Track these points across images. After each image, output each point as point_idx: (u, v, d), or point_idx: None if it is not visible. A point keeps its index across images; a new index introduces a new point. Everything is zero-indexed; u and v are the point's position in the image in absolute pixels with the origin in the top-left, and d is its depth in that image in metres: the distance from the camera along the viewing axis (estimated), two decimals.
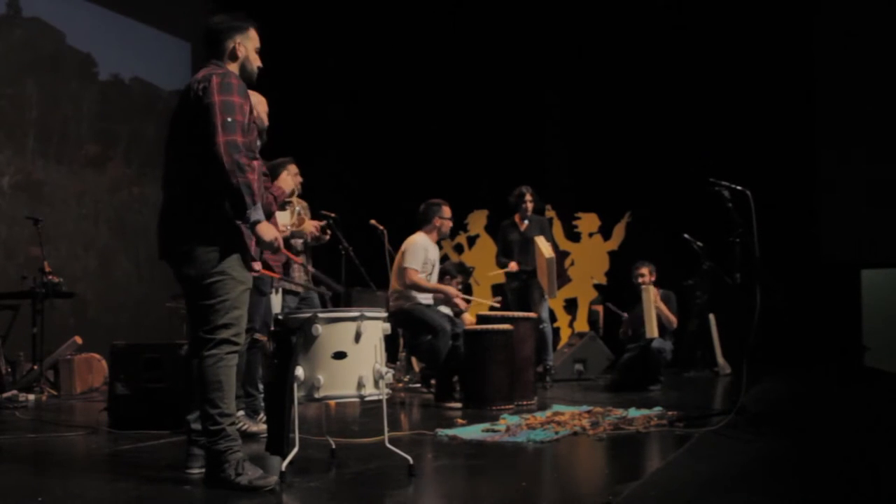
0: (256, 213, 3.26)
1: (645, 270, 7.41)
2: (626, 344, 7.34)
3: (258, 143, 3.80)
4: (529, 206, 7.57)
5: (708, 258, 8.33)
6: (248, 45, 3.47)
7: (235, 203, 3.21)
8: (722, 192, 5.18)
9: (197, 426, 3.34)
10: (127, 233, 9.35)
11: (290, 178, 4.90)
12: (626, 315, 7.49)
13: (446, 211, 6.41)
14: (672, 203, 9.31)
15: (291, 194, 5.03)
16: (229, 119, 3.19)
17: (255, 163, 3.33)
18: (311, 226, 5.36)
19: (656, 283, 7.33)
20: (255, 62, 3.50)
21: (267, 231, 3.32)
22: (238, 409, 4.43)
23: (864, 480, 3.55)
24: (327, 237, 5.50)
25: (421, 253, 6.20)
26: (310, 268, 5.25)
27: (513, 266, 7.40)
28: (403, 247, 6.29)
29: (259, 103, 4.37)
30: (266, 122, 4.45)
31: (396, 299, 6.23)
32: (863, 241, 9.24)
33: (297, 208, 5.34)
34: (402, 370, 7.86)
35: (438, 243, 6.59)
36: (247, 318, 3.40)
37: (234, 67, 3.42)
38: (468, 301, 6.78)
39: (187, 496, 3.09)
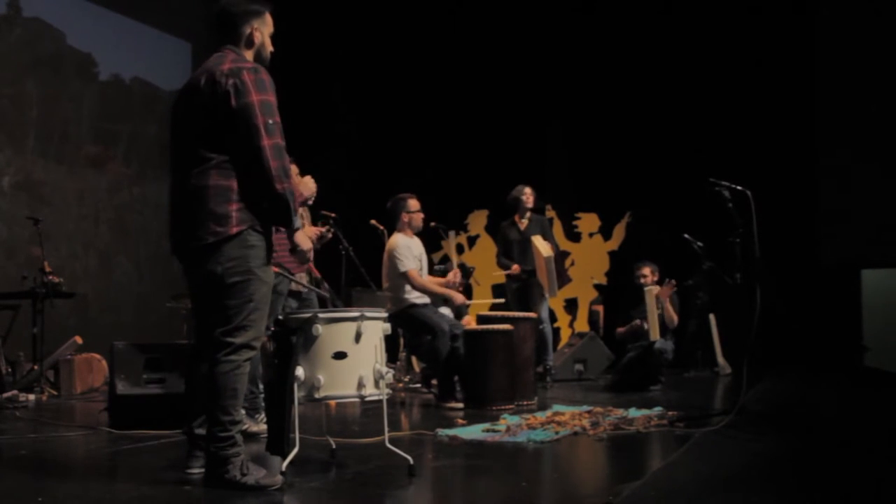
0: (296, 220, 3.22)
1: (647, 271, 7.41)
2: (626, 344, 7.33)
3: None
4: (529, 199, 7.55)
5: (708, 258, 8.32)
6: (264, 30, 3.36)
7: (281, 209, 3.12)
8: (722, 192, 5.17)
9: (200, 431, 3.28)
10: (127, 233, 9.34)
11: (311, 183, 4.88)
12: (638, 321, 7.37)
13: (412, 204, 6.35)
14: (672, 203, 9.30)
15: (309, 199, 5.01)
16: (270, 121, 3.11)
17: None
18: (309, 232, 5.34)
19: (658, 282, 7.32)
20: (269, 48, 3.40)
21: (304, 240, 3.29)
22: None
23: (864, 480, 3.55)
24: (330, 235, 5.49)
25: (407, 252, 6.18)
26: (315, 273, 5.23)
27: (515, 269, 7.40)
28: (388, 252, 6.25)
29: None
30: None
31: (394, 303, 6.22)
32: (863, 241, 9.23)
33: (300, 211, 5.33)
34: (402, 370, 7.86)
35: (438, 242, 6.58)
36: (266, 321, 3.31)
37: (249, 54, 3.32)
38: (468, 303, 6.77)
39: (187, 496, 3.09)
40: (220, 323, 3.15)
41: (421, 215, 6.37)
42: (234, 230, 3.12)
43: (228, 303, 3.14)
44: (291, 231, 3.23)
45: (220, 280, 3.13)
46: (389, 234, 7.18)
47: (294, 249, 3.28)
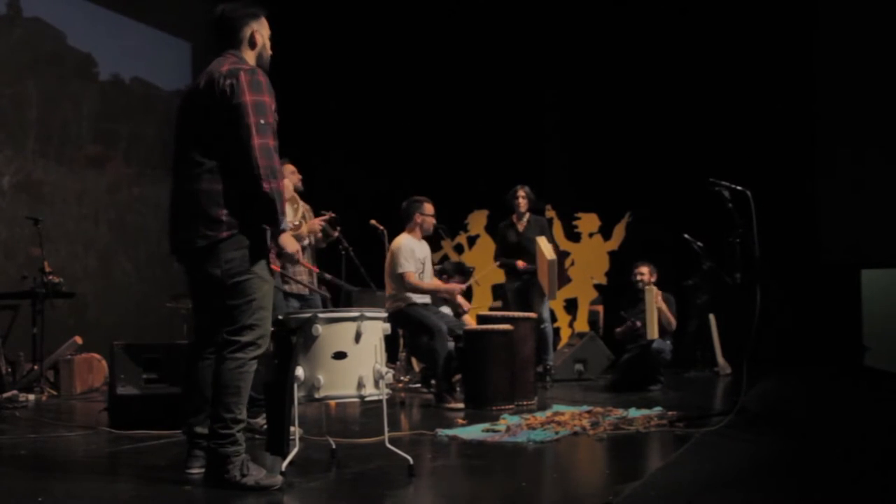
0: (283, 222, 3.22)
1: (644, 270, 7.40)
2: (625, 344, 7.32)
3: None
4: (522, 202, 7.54)
5: (708, 258, 8.32)
6: (263, 32, 3.39)
7: (267, 209, 3.14)
8: (722, 191, 5.17)
9: (201, 430, 3.29)
10: (127, 233, 9.34)
11: (288, 182, 4.87)
12: (631, 322, 7.38)
13: (427, 208, 6.39)
14: (672, 203, 9.30)
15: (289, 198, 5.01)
16: (262, 121, 3.13)
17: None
18: (314, 224, 5.33)
19: (656, 284, 7.31)
20: (268, 51, 3.43)
21: (290, 243, 3.28)
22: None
23: (864, 480, 3.55)
24: (336, 233, 5.46)
25: (409, 254, 6.20)
26: (315, 269, 5.22)
27: (521, 263, 7.37)
28: (391, 251, 6.28)
29: None
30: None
31: (392, 302, 6.23)
32: (863, 241, 9.23)
33: (301, 210, 5.32)
34: (402, 370, 7.86)
35: (438, 242, 6.57)
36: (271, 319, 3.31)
37: (251, 56, 3.35)
38: (469, 301, 6.78)
39: (187, 496, 3.09)
40: (226, 323, 3.18)
41: (433, 220, 6.41)
42: (225, 234, 3.15)
43: (231, 303, 3.16)
44: (277, 232, 3.23)
45: (221, 282, 3.16)
46: (390, 235, 7.20)
47: (280, 253, 3.28)
